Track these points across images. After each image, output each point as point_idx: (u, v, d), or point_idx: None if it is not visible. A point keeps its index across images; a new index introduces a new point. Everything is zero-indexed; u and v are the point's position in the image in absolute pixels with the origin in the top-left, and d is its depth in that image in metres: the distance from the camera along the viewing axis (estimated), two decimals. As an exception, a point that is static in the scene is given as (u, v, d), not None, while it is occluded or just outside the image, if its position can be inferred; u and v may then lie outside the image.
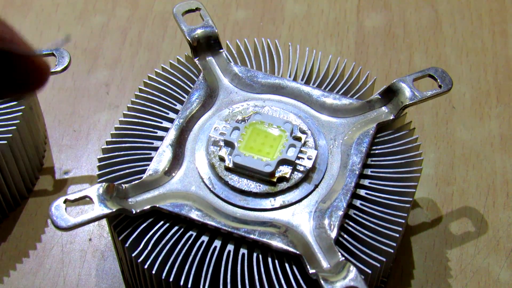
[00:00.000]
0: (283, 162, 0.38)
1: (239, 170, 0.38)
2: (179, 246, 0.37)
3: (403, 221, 0.38)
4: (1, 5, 0.58)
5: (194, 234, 0.37)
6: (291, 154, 0.38)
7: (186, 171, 0.39)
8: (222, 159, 0.39)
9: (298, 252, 0.36)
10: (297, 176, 0.38)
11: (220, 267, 0.36)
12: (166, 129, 0.41)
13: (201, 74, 0.43)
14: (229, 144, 0.39)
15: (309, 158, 0.38)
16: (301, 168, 0.38)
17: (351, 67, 0.44)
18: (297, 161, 0.38)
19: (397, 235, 0.38)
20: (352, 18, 0.57)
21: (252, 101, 0.42)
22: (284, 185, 0.38)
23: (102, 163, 0.40)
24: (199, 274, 0.36)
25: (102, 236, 0.46)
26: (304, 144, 0.39)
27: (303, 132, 0.40)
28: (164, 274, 0.36)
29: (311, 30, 0.56)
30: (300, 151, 0.39)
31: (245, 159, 0.38)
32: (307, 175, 0.39)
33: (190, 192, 0.38)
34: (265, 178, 0.38)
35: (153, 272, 0.37)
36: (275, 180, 0.38)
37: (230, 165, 0.38)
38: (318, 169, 0.39)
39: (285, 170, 0.38)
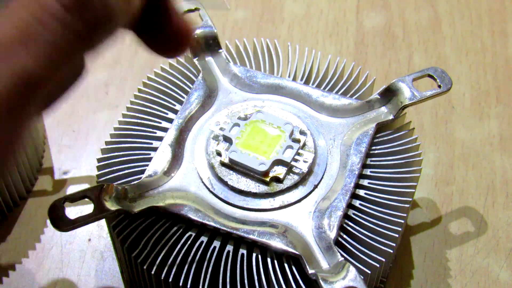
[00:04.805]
0: (278, 162, 0.38)
1: (234, 166, 0.38)
2: (178, 246, 0.37)
3: (402, 221, 0.38)
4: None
5: (194, 234, 0.37)
6: (287, 155, 0.38)
7: (185, 171, 0.39)
8: (218, 154, 0.39)
9: (297, 252, 0.36)
10: (295, 177, 0.38)
11: (220, 267, 0.36)
12: (165, 129, 0.41)
13: (200, 74, 0.43)
14: (227, 139, 0.39)
15: (304, 161, 0.38)
16: (297, 171, 0.38)
17: (351, 67, 0.44)
18: (293, 163, 0.38)
19: (397, 235, 0.38)
20: (352, 18, 0.57)
21: (251, 101, 0.42)
22: (283, 186, 0.38)
23: (101, 164, 0.40)
24: (198, 274, 0.36)
25: (101, 237, 0.46)
26: (303, 146, 0.39)
27: (302, 133, 0.40)
28: (163, 274, 0.36)
29: (311, 30, 0.56)
30: (297, 153, 0.38)
31: (240, 155, 0.38)
32: (306, 175, 0.39)
33: (189, 192, 0.38)
34: (259, 176, 0.38)
35: (153, 272, 0.37)
36: (268, 179, 0.38)
37: (226, 161, 0.38)
38: (318, 170, 0.39)
39: (279, 171, 0.38)
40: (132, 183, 0.38)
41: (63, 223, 0.35)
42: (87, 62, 0.28)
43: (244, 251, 0.37)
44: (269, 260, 0.36)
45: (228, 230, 0.37)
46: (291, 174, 0.38)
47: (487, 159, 0.49)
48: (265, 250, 0.37)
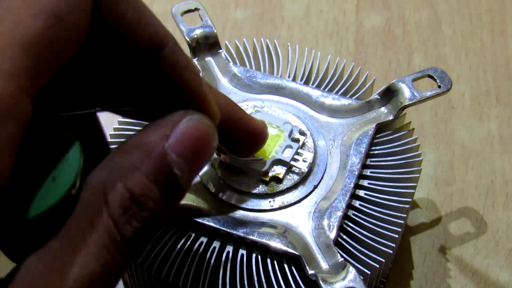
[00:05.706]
0: (278, 162, 0.38)
1: (234, 166, 0.38)
2: (178, 247, 0.37)
3: (402, 221, 0.38)
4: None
5: (193, 234, 0.37)
6: (286, 155, 0.38)
7: (185, 171, 0.39)
8: (217, 154, 0.39)
9: (297, 253, 0.36)
10: (295, 177, 0.38)
11: (219, 267, 0.36)
12: (165, 130, 0.41)
13: (200, 74, 0.43)
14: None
15: (304, 161, 0.38)
16: (296, 170, 0.38)
17: (350, 67, 0.44)
18: (292, 163, 0.38)
19: (396, 236, 0.38)
20: (351, 18, 0.57)
21: (251, 102, 0.42)
22: (283, 186, 0.38)
23: (101, 164, 0.40)
24: (198, 275, 0.36)
25: (101, 237, 0.46)
26: (303, 146, 0.39)
27: (302, 133, 0.40)
28: (163, 275, 0.36)
29: (310, 30, 0.56)
30: (297, 153, 0.38)
31: None
32: (306, 175, 0.39)
33: (189, 193, 0.38)
34: (258, 176, 0.38)
35: (152, 272, 0.37)
36: (267, 179, 0.38)
37: (225, 160, 0.38)
38: (317, 170, 0.39)
39: (278, 170, 0.38)
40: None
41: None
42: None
43: (244, 252, 0.37)
44: (269, 260, 0.36)
45: (228, 230, 0.37)
46: (290, 174, 0.38)
47: (487, 159, 0.49)
48: (265, 250, 0.37)
